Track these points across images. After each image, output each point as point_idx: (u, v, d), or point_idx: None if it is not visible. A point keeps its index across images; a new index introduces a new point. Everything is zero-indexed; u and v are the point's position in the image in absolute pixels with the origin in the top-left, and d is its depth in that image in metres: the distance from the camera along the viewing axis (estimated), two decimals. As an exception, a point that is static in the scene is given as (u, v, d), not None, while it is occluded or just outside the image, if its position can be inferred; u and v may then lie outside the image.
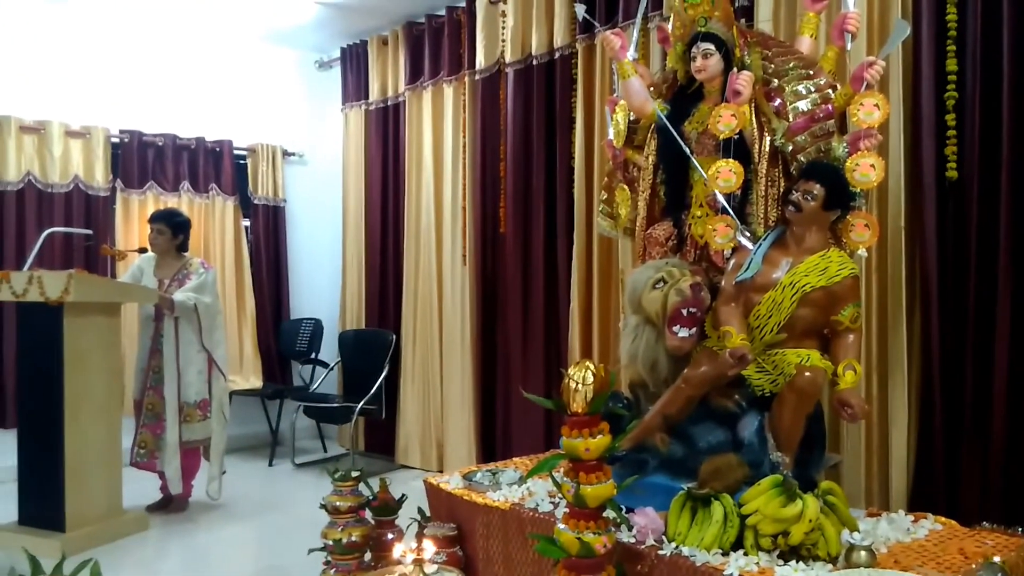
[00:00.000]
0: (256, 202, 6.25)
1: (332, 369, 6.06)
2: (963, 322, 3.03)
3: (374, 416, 5.55)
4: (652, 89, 3.07)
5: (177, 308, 4.28)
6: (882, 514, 2.69)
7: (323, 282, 6.52)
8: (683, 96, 2.99)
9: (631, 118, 3.13)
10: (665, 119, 2.90)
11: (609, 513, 2.34)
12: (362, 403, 5.33)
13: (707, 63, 2.83)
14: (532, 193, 4.80)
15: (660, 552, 2.32)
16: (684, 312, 2.66)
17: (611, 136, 3.24)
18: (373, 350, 5.70)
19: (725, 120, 2.68)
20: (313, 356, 6.09)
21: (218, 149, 6.02)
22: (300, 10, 5.59)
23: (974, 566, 2.04)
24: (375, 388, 5.44)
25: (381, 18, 5.72)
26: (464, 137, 5.23)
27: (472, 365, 5.14)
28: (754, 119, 2.76)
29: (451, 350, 5.29)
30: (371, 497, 3.12)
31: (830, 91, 2.71)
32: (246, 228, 6.24)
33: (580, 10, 3.56)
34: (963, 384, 3.02)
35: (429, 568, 2.35)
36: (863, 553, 2.14)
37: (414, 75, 5.66)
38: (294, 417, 5.75)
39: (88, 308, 3.92)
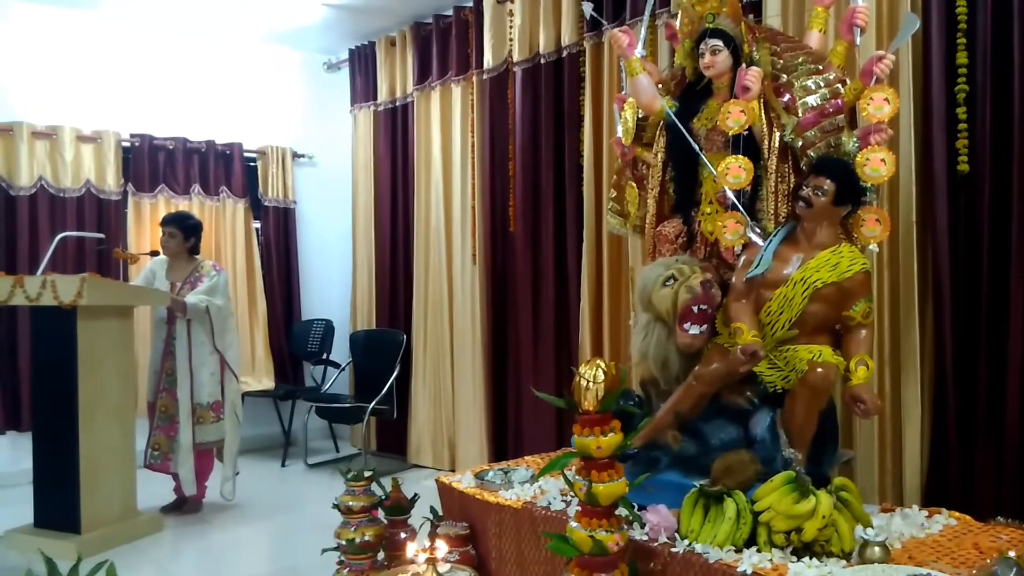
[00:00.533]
0: (266, 204, 6.27)
1: (343, 369, 6.08)
2: (976, 316, 3.01)
3: (386, 416, 5.56)
4: (660, 86, 3.07)
5: (189, 311, 4.31)
6: (896, 510, 2.67)
7: (334, 283, 6.54)
8: (692, 93, 2.99)
9: (640, 115, 3.13)
10: (674, 116, 2.90)
11: (621, 511, 2.34)
12: (374, 403, 5.34)
13: (716, 59, 2.82)
14: (541, 192, 4.80)
15: (673, 550, 2.31)
16: (695, 309, 2.65)
17: (620, 134, 3.24)
18: (384, 350, 5.71)
19: (734, 116, 2.67)
20: (324, 357, 6.11)
21: (228, 152, 6.05)
22: (308, 12, 5.60)
23: (989, 561, 2.03)
24: (386, 388, 5.46)
25: (389, 19, 5.73)
26: (473, 137, 5.23)
27: (483, 364, 5.15)
28: (763, 115, 2.75)
29: (462, 349, 5.29)
30: (384, 497, 3.13)
31: (839, 86, 2.70)
32: (257, 230, 6.26)
33: (587, 8, 3.56)
34: (976, 378, 3.01)
35: (442, 567, 2.35)
36: (877, 549, 2.13)
37: (422, 75, 5.67)
38: (306, 418, 5.76)
39: (101, 311, 3.95)
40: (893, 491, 3.20)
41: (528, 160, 4.86)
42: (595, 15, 3.77)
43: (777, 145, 2.75)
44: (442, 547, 2.43)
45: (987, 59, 2.98)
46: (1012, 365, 2.90)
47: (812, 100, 2.70)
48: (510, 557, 2.84)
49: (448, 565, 2.59)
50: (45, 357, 3.99)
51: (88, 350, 3.87)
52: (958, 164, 3.03)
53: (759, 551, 2.22)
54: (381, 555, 3.07)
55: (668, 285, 2.71)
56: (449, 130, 5.45)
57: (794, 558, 2.18)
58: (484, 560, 2.93)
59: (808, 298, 2.53)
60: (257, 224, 6.27)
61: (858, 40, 2.75)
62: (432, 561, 2.29)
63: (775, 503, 2.22)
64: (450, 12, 5.41)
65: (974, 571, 2.03)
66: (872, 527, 2.26)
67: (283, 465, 5.73)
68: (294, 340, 6.31)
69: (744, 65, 2.76)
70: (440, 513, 3.14)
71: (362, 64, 6.24)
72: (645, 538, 2.39)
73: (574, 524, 2.30)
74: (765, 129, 2.75)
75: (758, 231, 2.71)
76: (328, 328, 6.18)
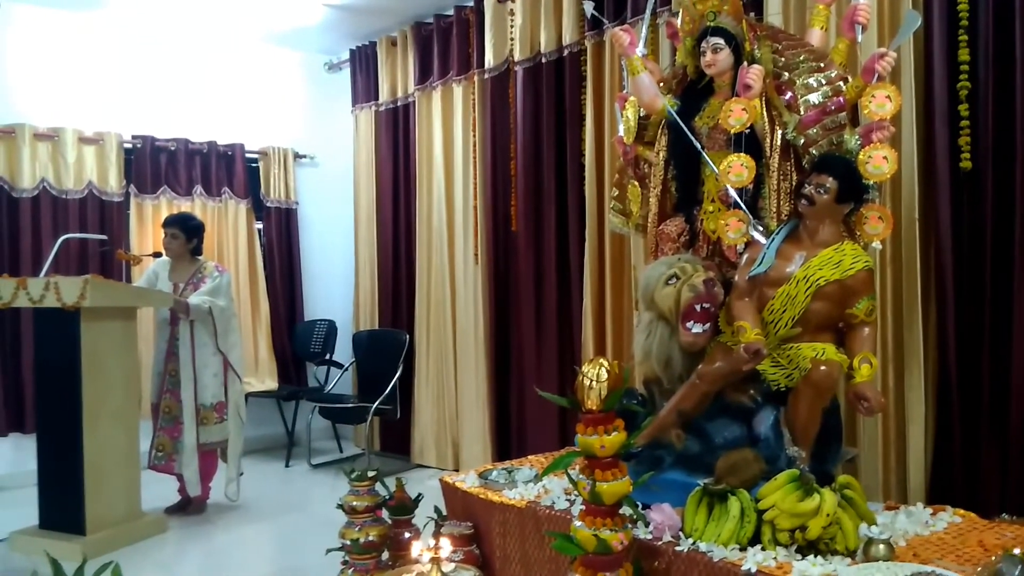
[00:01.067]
0: (268, 205, 6.27)
1: (347, 370, 6.08)
2: (979, 313, 3.01)
3: (389, 416, 5.56)
4: (662, 85, 3.07)
5: (192, 312, 4.31)
6: (900, 507, 2.67)
7: (336, 283, 6.54)
8: (693, 91, 2.98)
9: (641, 114, 3.13)
10: (675, 115, 2.90)
11: (625, 510, 2.34)
12: (377, 403, 5.35)
13: (717, 57, 2.82)
14: (543, 191, 4.80)
15: (677, 548, 2.31)
16: (697, 308, 2.65)
17: (621, 132, 3.24)
18: (387, 350, 5.71)
19: (736, 114, 2.67)
20: (327, 357, 6.12)
21: (230, 153, 6.05)
22: (308, 13, 5.60)
23: (994, 558, 2.02)
24: (390, 388, 5.46)
25: (389, 19, 5.73)
26: (474, 136, 5.23)
27: (486, 363, 5.15)
28: (765, 113, 2.75)
29: (465, 349, 5.30)
30: (388, 497, 3.13)
31: (841, 83, 2.70)
32: (259, 231, 6.27)
33: (588, 7, 3.56)
34: (980, 375, 3.00)
35: (447, 567, 2.35)
36: (881, 547, 2.13)
37: (423, 75, 5.67)
38: (310, 418, 5.77)
39: (104, 313, 3.96)
40: (897, 489, 3.20)
41: (530, 159, 4.85)
42: (596, 14, 3.77)
43: (779, 143, 2.75)
44: (446, 546, 2.43)
45: (989, 56, 2.97)
46: (1016, 361, 2.90)
47: (814, 98, 2.70)
48: (514, 556, 2.84)
49: (452, 565, 2.59)
50: (49, 359, 4.00)
51: (91, 351, 3.88)
52: (960, 161, 3.02)
53: (763, 549, 2.22)
54: (385, 555, 3.08)
55: (671, 284, 2.71)
56: (451, 130, 5.45)
57: (798, 556, 2.18)
58: (488, 560, 2.94)
59: (811, 296, 2.53)
60: (259, 225, 6.28)
61: (860, 37, 2.74)
62: (436, 561, 2.29)
63: (779, 501, 2.22)
64: (451, 12, 5.41)
65: (979, 568, 2.03)
66: (876, 525, 2.26)
67: (287, 465, 5.73)
68: (297, 340, 6.31)
69: (746, 63, 2.76)
70: (444, 513, 3.15)
71: (363, 64, 6.25)
72: (649, 537, 2.40)
73: (578, 523, 2.30)
74: (767, 127, 2.75)
75: (760, 229, 2.71)
76: (331, 328, 6.19)
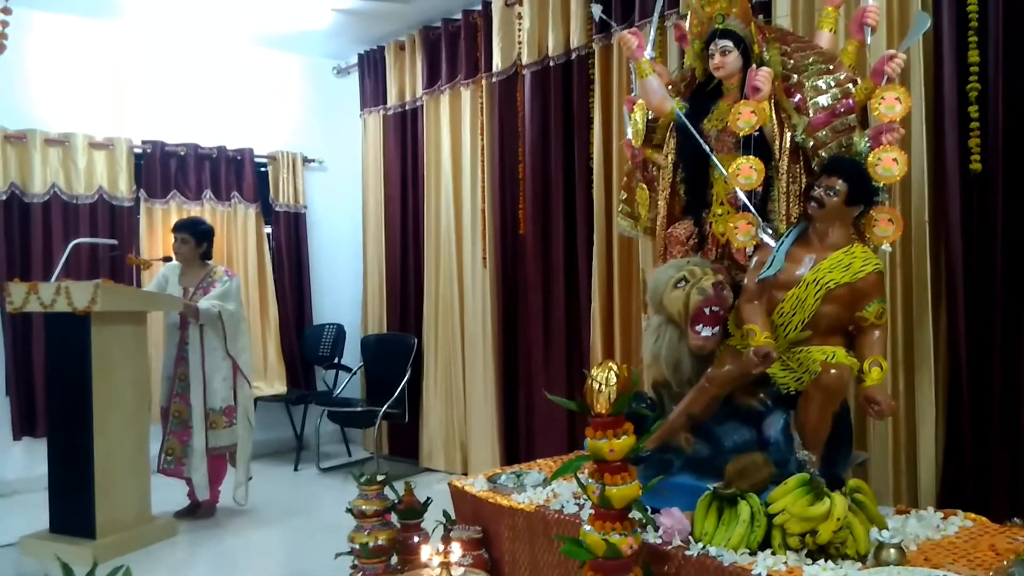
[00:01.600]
0: (277, 209, 6.29)
1: (355, 374, 6.09)
2: (990, 315, 2.99)
3: (397, 420, 5.57)
4: (670, 88, 3.07)
5: (202, 316, 4.32)
6: (911, 511, 2.66)
7: (345, 287, 6.55)
8: (702, 94, 2.98)
9: (650, 117, 3.13)
10: (684, 117, 2.89)
11: (635, 514, 2.33)
12: (385, 407, 5.35)
13: (725, 60, 2.81)
14: (551, 194, 4.80)
15: (687, 553, 2.31)
16: (707, 311, 2.65)
17: (630, 136, 3.24)
18: (395, 354, 5.72)
19: (745, 117, 2.67)
20: (336, 361, 6.13)
21: (239, 157, 6.07)
22: (317, 17, 5.62)
23: (1006, 563, 2.02)
24: (398, 392, 5.46)
25: (397, 23, 5.74)
26: (482, 140, 5.24)
27: (494, 367, 5.15)
28: (774, 115, 2.74)
29: (473, 353, 5.30)
30: (396, 500, 3.13)
31: (850, 85, 2.69)
32: (268, 235, 6.29)
33: (596, 10, 3.56)
34: (991, 378, 2.98)
35: (456, 571, 2.36)
36: (893, 551, 2.12)
37: (431, 79, 5.68)
38: (318, 422, 5.78)
39: (115, 317, 3.97)
40: (908, 493, 3.18)
41: (538, 163, 4.86)
42: (604, 17, 3.77)
43: (788, 146, 2.74)
44: (457, 550, 2.43)
45: (999, 57, 2.96)
46: (1027, 364, 2.88)
47: (823, 100, 2.69)
48: (524, 561, 2.84)
49: (462, 569, 2.59)
50: (59, 363, 4.01)
51: (102, 356, 3.90)
52: (971, 163, 3.01)
53: (774, 554, 2.22)
54: (394, 559, 3.08)
55: (680, 287, 2.70)
56: (459, 133, 5.45)
57: (809, 561, 2.17)
58: (498, 564, 2.93)
59: (821, 299, 2.52)
60: (268, 229, 6.29)
61: (869, 39, 2.74)
62: (446, 565, 2.30)
63: (789, 505, 2.21)
64: (459, 16, 5.42)
65: (991, 573, 2.02)
66: (887, 529, 2.25)
67: (296, 469, 5.74)
68: (306, 344, 6.32)
69: (754, 66, 2.76)
70: (453, 517, 3.14)
71: (371, 68, 6.26)
72: (659, 541, 2.39)
73: (587, 527, 2.30)
74: (776, 130, 2.74)
75: (770, 232, 2.70)
76: (339, 332, 6.20)
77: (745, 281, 2.69)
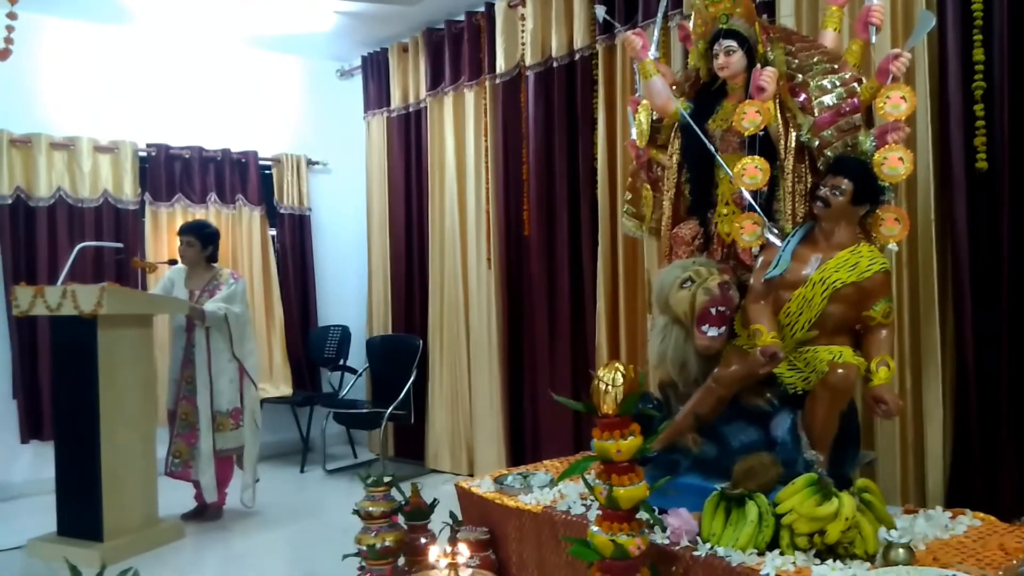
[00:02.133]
0: (282, 211, 6.30)
1: (360, 375, 6.10)
2: (997, 314, 2.98)
3: (403, 421, 5.57)
4: (675, 88, 3.07)
5: (208, 318, 4.33)
6: (919, 511, 2.66)
7: (350, 289, 6.56)
8: (706, 94, 2.98)
9: (654, 117, 3.13)
10: (688, 117, 2.89)
11: (642, 515, 2.33)
12: (391, 408, 5.35)
13: (730, 60, 2.81)
14: (555, 195, 4.80)
15: (695, 553, 2.31)
16: (713, 311, 2.65)
17: (634, 136, 3.24)
18: (401, 355, 5.72)
19: (750, 117, 2.67)
20: (341, 363, 6.13)
21: (243, 160, 6.08)
22: (320, 20, 5.63)
23: (1015, 562, 2.01)
24: (404, 393, 5.46)
25: (401, 25, 5.74)
26: (486, 141, 5.24)
27: (499, 368, 5.15)
28: (779, 115, 2.74)
29: (478, 354, 5.30)
30: (403, 502, 3.14)
31: (855, 85, 2.69)
32: (273, 237, 6.29)
33: (600, 11, 3.56)
34: (999, 376, 2.98)
35: (463, 572, 2.36)
36: (901, 551, 2.12)
37: (435, 81, 5.68)
38: (324, 424, 5.79)
39: (121, 320, 3.98)
40: (916, 492, 3.17)
41: (542, 164, 4.86)
42: (608, 18, 3.77)
43: (793, 145, 2.74)
44: (464, 551, 2.44)
45: (1004, 55, 2.95)
46: (1035, 362, 2.87)
47: (828, 99, 2.69)
48: (531, 562, 2.84)
49: (469, 570, 2.59)
50: (66, 366, 4.03)
51: (108, 359, 3.91)
52: (976, 162, 3.00)
53: (782, 554, 2.22)
54: (402, 560, 3.08)
55: (685, 287, 2.70)
56: (462, 135, 5.46)
57: (817, 561, 2.17)
58: (505, 565, 2.94)
59: (827, 299, 2.52)
60: (273, 231, 6.30)
61: (873, 38, 2.73)
62: (454, 566, 2.30)
63: (797, 505, 2.21)
64: (462, 17, 5.42)
65: (1000, 572, 2.01)
66: (896, 529, 2.25)
67: (302, 471, 5.75)
68: (311, 346, 6.33)
69: (759, 65, 2.75)
70: (460, 518, 3.15)
71: (375, 71, 6.27)
72: (667, 542, 2.39)
73: (595, 528, 2.30)
74: (781, 129, 2.74)
75: (775, 232, 2.70)
76: (345, 334, 6.20)
77: (751, 281, 2.68)
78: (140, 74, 5.71)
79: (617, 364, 2.32)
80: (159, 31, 5.73)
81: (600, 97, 4.48)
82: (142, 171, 5.69)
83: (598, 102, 4.49)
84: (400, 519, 3.12)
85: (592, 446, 2.33)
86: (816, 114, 2.70)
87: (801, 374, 2.57)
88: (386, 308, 6.15)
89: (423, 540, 3.07)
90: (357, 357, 6.18)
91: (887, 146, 2.56)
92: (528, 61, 4.89)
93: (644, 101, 3.15)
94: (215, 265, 4.61)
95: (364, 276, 6.39)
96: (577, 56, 4.63)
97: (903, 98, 2.55)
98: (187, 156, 5.84)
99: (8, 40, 3.38)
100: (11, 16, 3.38)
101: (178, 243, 4.57)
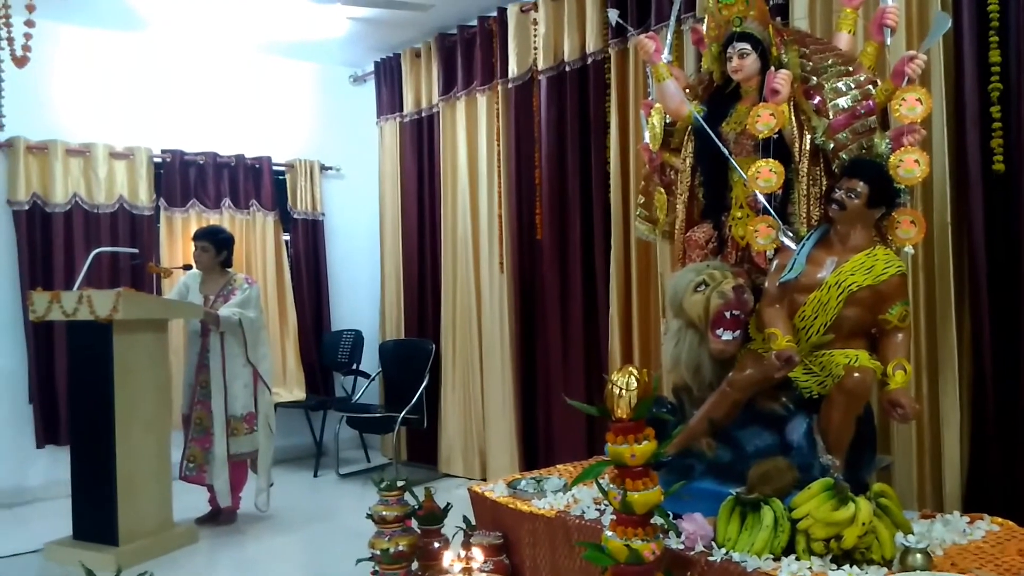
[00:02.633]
0: (296, 217, 6.33)
1: (373, 380, 6.11)
2: (1015, 316, 2.96)
3: (416, 425, 5.57)
4: (688, 91, 3.06)
5: (222, 323, 4.35)
6: (936, 516, 2.64)
7: (362, 293, 6.58)
8: (720, 97, 2.97)
9: (667, 121, 3.12)
10: (702, 121, 2.89)
11: (657, 519, 2.32)
12: (404, 412, 5.36)
13: (744, 63, 2.81)
14: (568, 199, 4.80)
15: (710, 558, 2.29)
16: (727, 315, 2.63)
17: (647, 139, 3.23)
18: (413, 360, 5.73)
19: (764, 119, 2.66)
20: (354, 367, 6.14)
21: (257, 166, 6.11)
22: (333, 26, 5.65)
23: (1036, 568, 1.99)
24: (416, 397, 5.47)
25: (413, 31, 5.76)
26: (499, 145, 5.24)
27: (512, 372, 5.15)
28: (793, 118, 2.73)
29: (491, 358, 5.29)
30: (417, 506, 3.14)
31: (870, 87, 2.67)
32: (286, 242, 6.32)
33: (613, 15, 3.56)
34: (1017, 380, 2.95)
35: (477, 577, 2.35)
36: (919, 556, 2.10)
37: (447, 86, 5.69)
38: (337, 428, 5.80)
39: (136, 325, 4.00)
40: (933, 497, 3.14)
41: (554, 168, 4.86)
42: (621, 21, 3.77)
43: (808, 148, 2.73)
44: (479, 556, 2.43)
45: (1021, 56, 2.93)
46: (1053, 366, 2.84)
47: (843, 102, 2.68)
48: (544, 566, 2.83)
49: (483, 574, 2.58)
50: (82, 371, 4.05)
51: (124, 363, 3.93)
52: (993, 164, 2.98)
53: (798, 559, 2.20)
54: (415, 565, 3.08)
55: (700, 291, 2.69)
56: (475, 139, 5.46)
57: (834, 566, 2.16)
58: (518, 570, 2.93)
59: (843, 302, 2.50)
60: (287, 236, 6.33)
61: (888, 40, 2.72)
62: (467, 571, 2.29)
63: (813, 510, 2.19)
64: (474, 22, 5.43)
65: (1020, 578, 1.99)
66: (913, 534, 2.23)
67: (315, 475, 5.76)
68: (324, 351, 6.35)
69: (773, 68, 2.74)
70: (473, 522, 3.14)
71: (387, 76, 6.29)
72: (681, 547, 2.38)
73: (609, 533, 2.29)
74: (795, 132, 2.73)
75: (790, 235, 2.69)
76: (358, 338, 6.21)
77: (766, 284, 2.67)
78: (155, 81, 5.75)
79: (631, 368, 2.32)
80: (173, 38, 5.77)
81: (613, 101, 4.47)
82: (157, 177, 5.73)
83: (611, 106, 4.49)
84: (414, 523, 3.12)
85: (606, 450, 2.33)
86: (831, 116, 2.68)
87: (817, 378, 2.55)
88: (399, 312, 6.17)
89: (436, 544, 3.07)
90: (370, 361, 6.19)
91: (903, 148, 2.55)
92: (540, 65, 4.89)
93: (657, 104, 3.14)
94: (229, 270, 4.63)
95: (377, 280, 6.41)
96: (589, 60, 4.63)
97: (919, 100, 2.54)
98: (201, 162, 5.88)
99: (25, 48, 3.41)
100: (28, 24, 3.41)
101: (193, 248, 4.59)
